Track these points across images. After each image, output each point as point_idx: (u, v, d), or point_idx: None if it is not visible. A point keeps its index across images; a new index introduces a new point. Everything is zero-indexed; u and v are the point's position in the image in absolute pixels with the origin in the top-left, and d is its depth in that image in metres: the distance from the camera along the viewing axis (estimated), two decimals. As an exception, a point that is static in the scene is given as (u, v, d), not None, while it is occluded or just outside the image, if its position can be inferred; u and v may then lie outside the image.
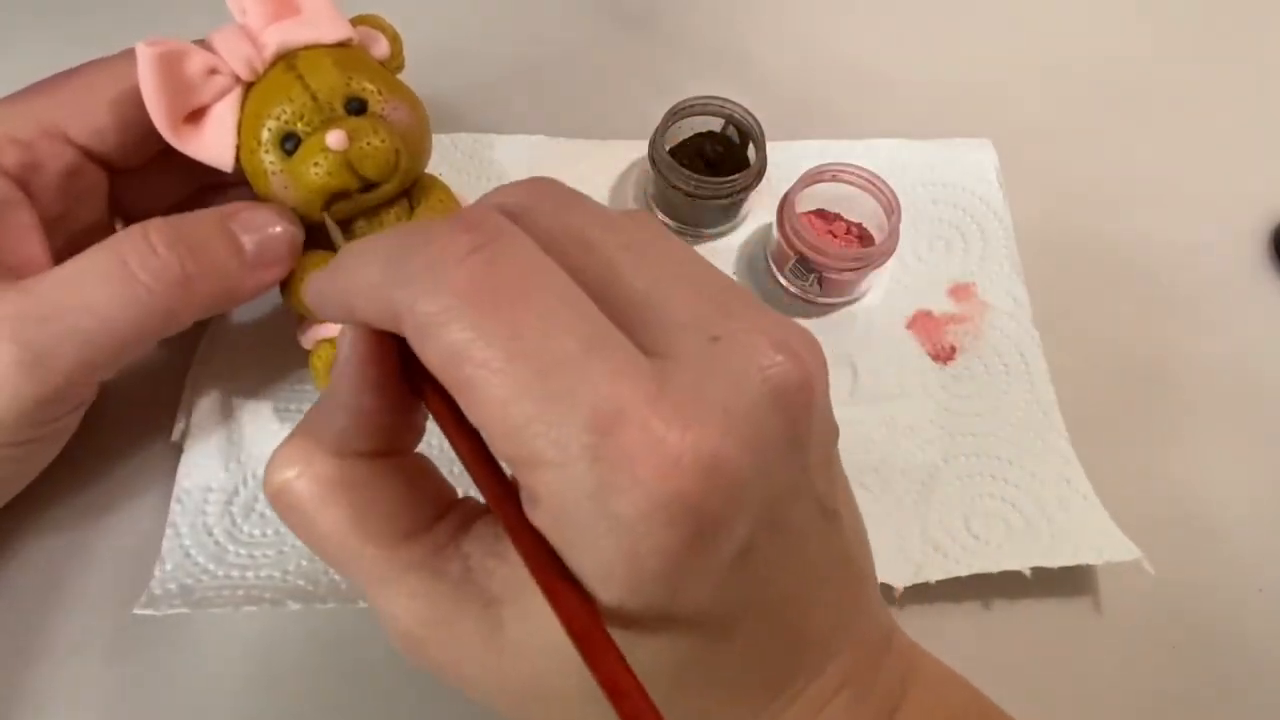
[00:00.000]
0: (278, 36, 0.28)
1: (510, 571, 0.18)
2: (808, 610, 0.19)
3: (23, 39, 0.43)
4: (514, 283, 0.16)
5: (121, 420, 0.33)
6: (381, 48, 0.31)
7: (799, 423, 0.17)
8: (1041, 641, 0.32)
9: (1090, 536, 0.32)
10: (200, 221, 0.27)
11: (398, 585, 0.18)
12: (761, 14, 0.48)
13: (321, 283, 0.19)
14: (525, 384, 0.15)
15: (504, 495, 0.17)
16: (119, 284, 0.25)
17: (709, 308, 0.17)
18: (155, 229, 0.26)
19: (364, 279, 0.17)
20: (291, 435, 0.20)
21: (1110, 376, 0.38)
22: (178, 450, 0.33)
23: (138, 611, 0.29)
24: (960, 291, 0.38)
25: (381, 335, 0.18)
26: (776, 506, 0.17)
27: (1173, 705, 0.31)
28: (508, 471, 0.17)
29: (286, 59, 0.28)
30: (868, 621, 0.21)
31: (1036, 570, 0.31)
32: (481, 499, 0.18)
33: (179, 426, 0.33)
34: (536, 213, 0.18)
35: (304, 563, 0.31)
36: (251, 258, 0.28)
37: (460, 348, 0.15)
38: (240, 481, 0.32)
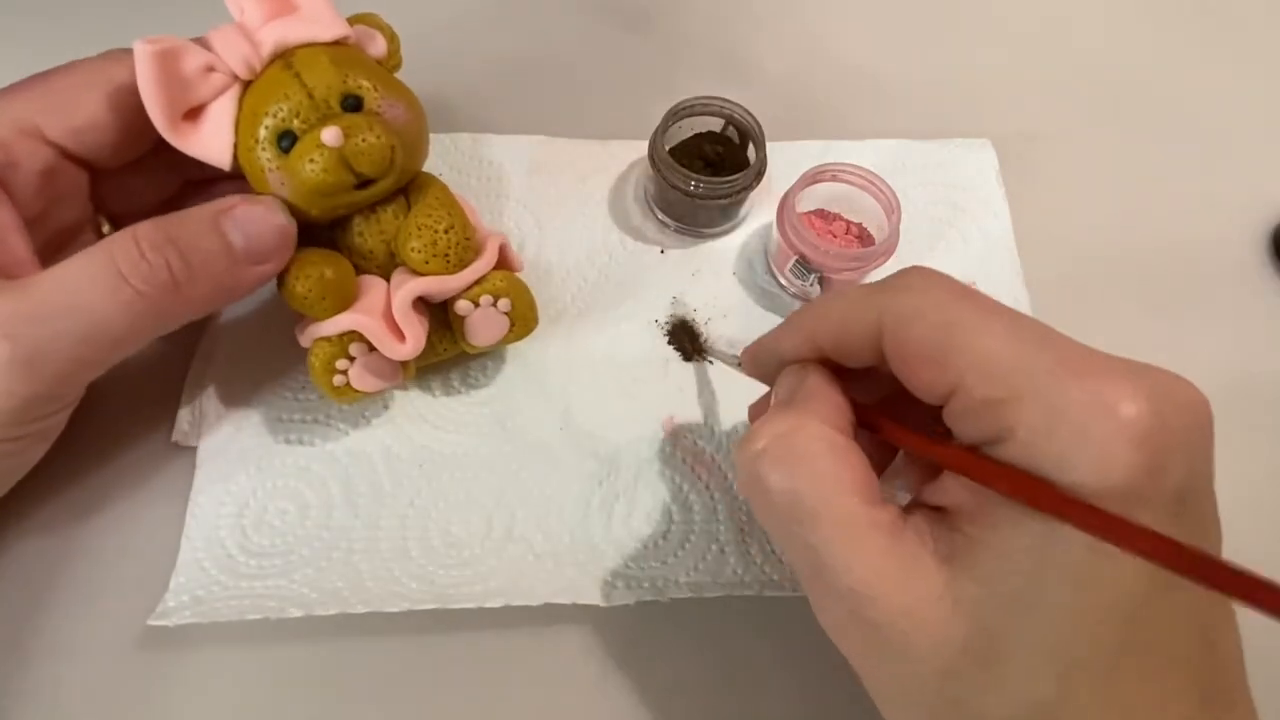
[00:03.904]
0: (275, 34, 0.28)
1: (963, 537, 0.21)
2: (1225, 628, 0.22)
3: (21, 33, 0.43)
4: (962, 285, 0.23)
5: (120, 419, 0.33)
6: (379, 46, 0.31)
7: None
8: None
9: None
10: (190, 223, 0.27)
11: (865, 541, 0.21)
12: (761, 14, 0.48)
13: (777, 336, 0.26)
14: (1004, 340, 0.20)
15: (970, 452, 0.21)
16: (111, 287, 0.25)
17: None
18: (144, 234, 0.26)
19: (841, 305, 0.23)
20: (783, 411, 0.23)
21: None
22: (176, 450, 0.33)
23: (151, 623, 0.29)
24: (960, 291, 0.38)
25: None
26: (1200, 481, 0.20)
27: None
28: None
29: (284, 57, 0.28)
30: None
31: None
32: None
33: (179, 427, 0.33)
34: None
35: (309, 571, 0.31)
36: (242, 255, 0.28)
37: (950, 318, 0.21)
38: (251, 494, 0.32)
